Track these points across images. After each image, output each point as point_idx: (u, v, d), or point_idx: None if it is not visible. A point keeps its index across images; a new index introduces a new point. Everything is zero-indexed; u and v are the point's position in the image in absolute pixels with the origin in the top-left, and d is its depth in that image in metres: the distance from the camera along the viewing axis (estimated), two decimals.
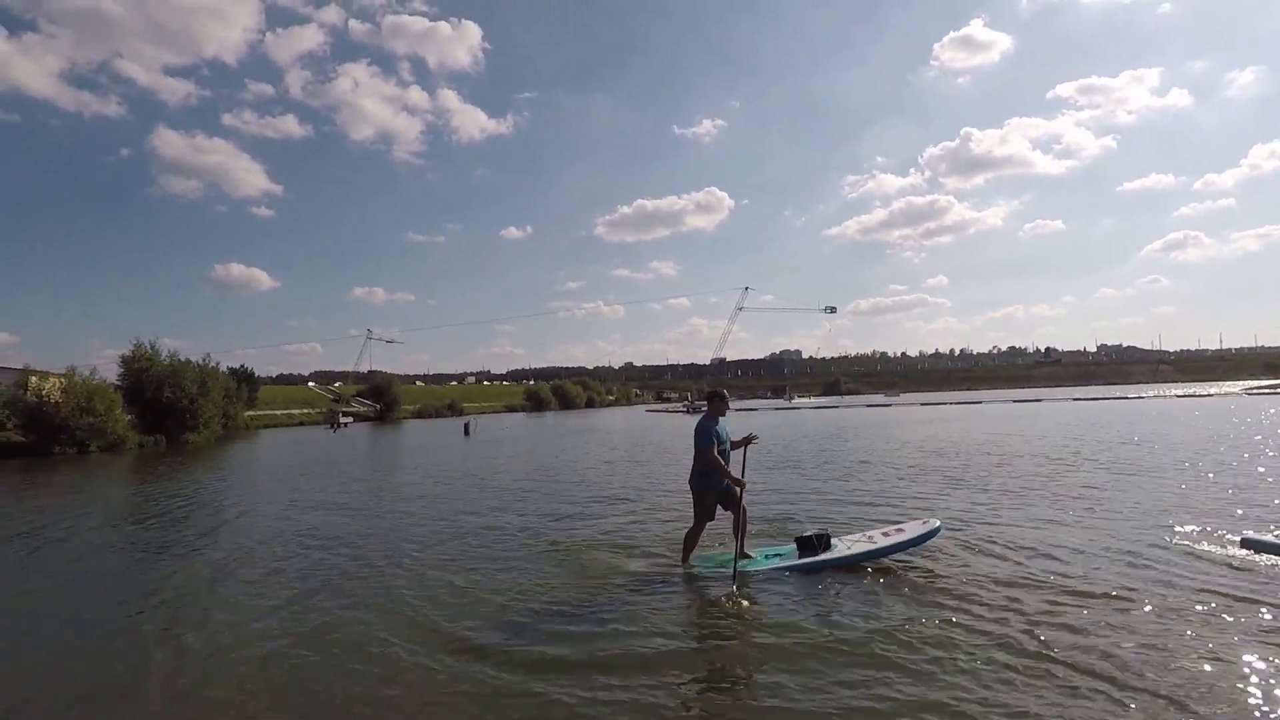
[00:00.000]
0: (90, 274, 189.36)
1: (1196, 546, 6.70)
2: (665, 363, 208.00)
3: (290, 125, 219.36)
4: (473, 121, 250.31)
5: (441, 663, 4.55)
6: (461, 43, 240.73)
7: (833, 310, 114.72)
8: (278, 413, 63.19)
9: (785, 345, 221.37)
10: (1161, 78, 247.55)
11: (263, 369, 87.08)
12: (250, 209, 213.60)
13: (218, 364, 43.94)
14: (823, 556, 6.39)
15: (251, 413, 55.63)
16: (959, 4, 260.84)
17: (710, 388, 6.97)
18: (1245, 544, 6.56)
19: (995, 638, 4.59)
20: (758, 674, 4.28)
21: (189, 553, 8.44)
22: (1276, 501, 8.85)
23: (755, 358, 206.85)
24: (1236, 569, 5.93)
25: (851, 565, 6.33)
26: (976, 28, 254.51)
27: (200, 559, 8.03)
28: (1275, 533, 6.83)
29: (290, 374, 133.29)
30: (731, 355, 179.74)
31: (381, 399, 74.46)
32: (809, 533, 6.69)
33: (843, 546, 6.59)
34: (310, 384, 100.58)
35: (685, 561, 6.52)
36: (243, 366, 60.19)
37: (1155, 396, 56.18)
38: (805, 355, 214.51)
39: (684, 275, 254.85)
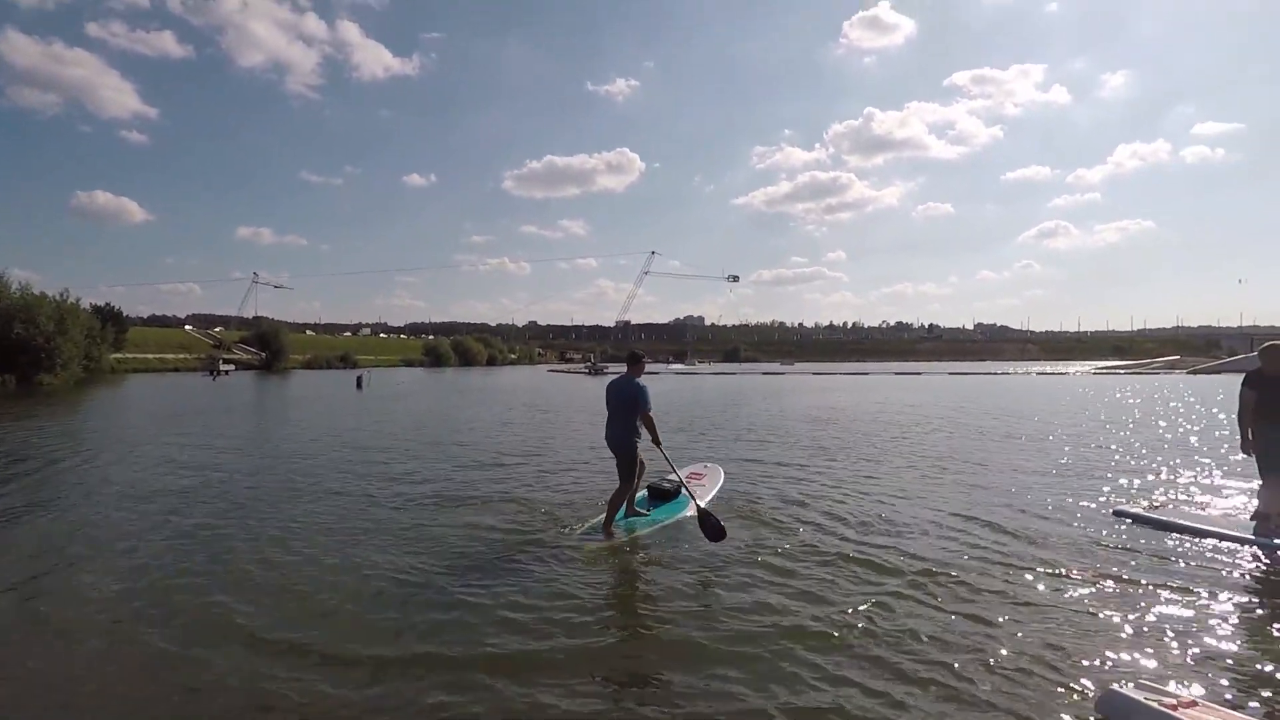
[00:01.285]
0: None
1: (1063, 516, 6.95)
2: (570, 323, 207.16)
3: (167, 43, 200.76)
4: (376, 58, 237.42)
5: (292, 644, 4.04)
6: None
7: (735, 279, 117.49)
8: (149, 356, 58.82)
9: (690, 311, 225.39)
10: (1045, 74, 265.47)
11: (132, 309, 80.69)
12: (120, 132, 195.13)
13: (78, 300, 40.28)
14: (697, 506, 6.62)
15: (119, 355, 51.42)
16: None
17: (629, 349, 6.81)
18: (1117, 514, 6.92)
19: (834, 599, 4.75)
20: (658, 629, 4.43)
21: (11, 510, 7.79)
22: (1135, 473, 9.77)
23: (660, 322, 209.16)
24: (1104, 538, 6.11)
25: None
26: (884, 9, 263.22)
27: (26, 518, 7.43)
28: (1143, 505, 7.24)
29: (164, 315, 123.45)
30: (637, 319, 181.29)
31: (268, 347, 70.59)
32: (666, 485, 7.30)
33: (686, 494, 6.97)
34: (187, 327, 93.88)
35: (609, 524, 6.28)
36: (109, 305, 54.99)
37: (1020, 374, 61.24)
38: (709, 322, 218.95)
39: (593, 235, 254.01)
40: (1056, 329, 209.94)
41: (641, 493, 7.19)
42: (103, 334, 43.53)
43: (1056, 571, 5.21)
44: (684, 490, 6.93)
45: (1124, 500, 7.63)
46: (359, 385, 34.82)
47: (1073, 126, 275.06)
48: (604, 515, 6.36)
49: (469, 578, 5.17)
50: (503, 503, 7.72)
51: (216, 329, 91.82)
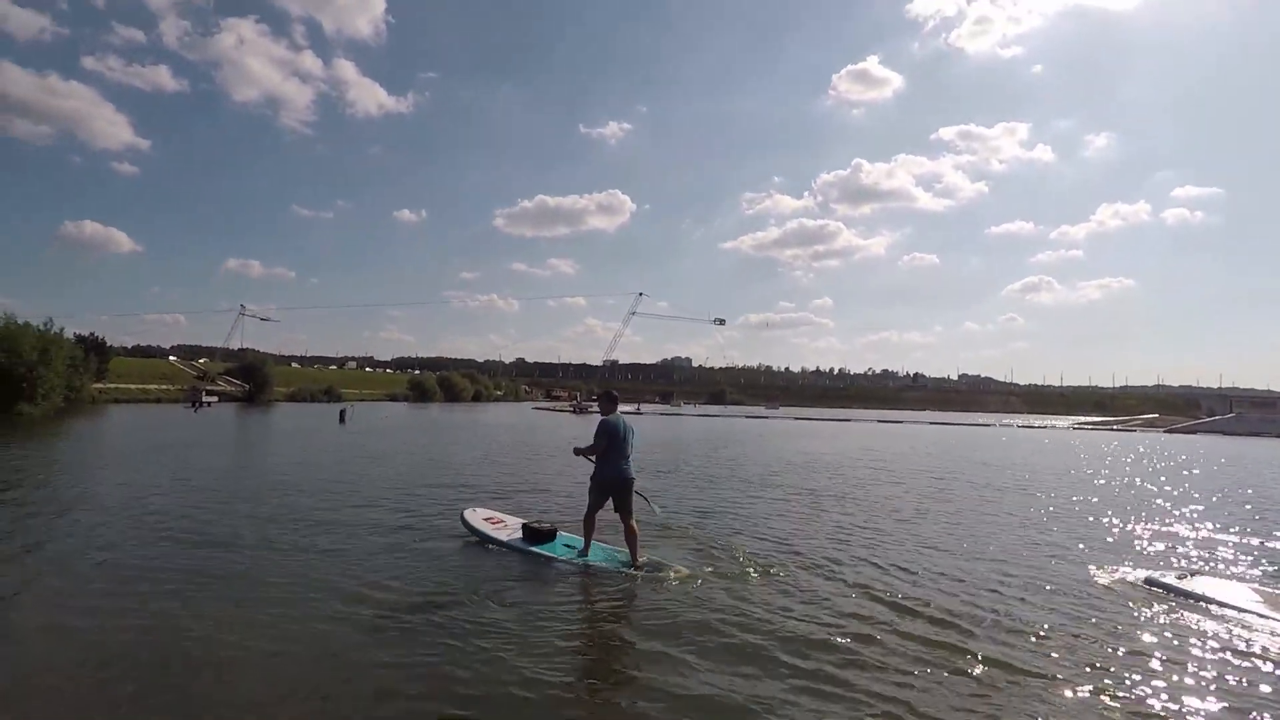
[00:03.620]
0: None
1: (1093, 586, 6.61)
2: (558, 361, 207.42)
3: (162, 77, 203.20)
4: (370, 96, 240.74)
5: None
6: (363, 11, 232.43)
7: (721, 322, 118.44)
8: (131, 386, 58.40)
9: (677, 352, 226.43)
10: (1030, 132, 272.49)
11: (116, 338, 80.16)
12: (111, 163, 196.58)
13: (62, 330, 40.24)
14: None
15: (100, 385, 51.10)
16: (858, 39, 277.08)
17: (606, 390, 7.09)
18: (1148, 583, 6.62)
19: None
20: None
21: None
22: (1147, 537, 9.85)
23: (647, 362, 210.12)
24: (1140, 611, 5.87)
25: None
26: (873, 64, 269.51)
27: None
28: (1175, 575, 6.84)
29: (148, 346, 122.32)
30: (624, 358, 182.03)
31: (252, 379, 70.25)
32: (545, 526, 7.36)
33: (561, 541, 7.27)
34: (171, 358, 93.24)
35: (635, 557, 6.59)
36: (93, 334, 54.90)
37: (1003, 425, 61.81)
38: (695, 363, 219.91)
39: (582, 275, 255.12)
40: (1040, 382, 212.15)
41: (516, 534, 7.39)
42: (85, 364, 43.38)
43: (1090, 648, 4.92)
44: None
45: (1152, 568, 7.28)
46: (341, 419, 34.81)
47: (1056, 184, 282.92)
48: (628, 552, 6.64)
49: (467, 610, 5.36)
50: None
51: (201, 360, 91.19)
